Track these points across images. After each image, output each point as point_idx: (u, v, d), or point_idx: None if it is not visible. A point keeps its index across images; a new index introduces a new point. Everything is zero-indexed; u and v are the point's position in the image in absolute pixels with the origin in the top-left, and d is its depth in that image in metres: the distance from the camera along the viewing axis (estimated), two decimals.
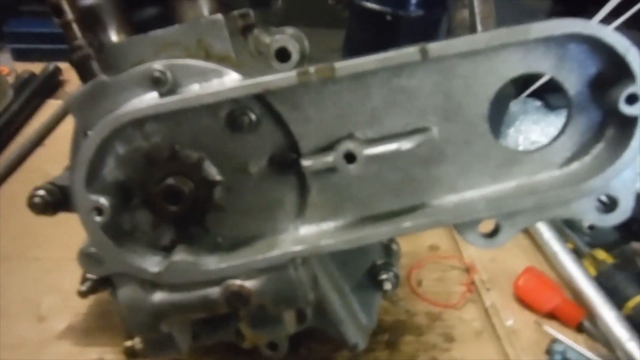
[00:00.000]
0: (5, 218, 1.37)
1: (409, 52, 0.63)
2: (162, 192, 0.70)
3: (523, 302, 1.21)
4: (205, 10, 0.75)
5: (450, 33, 1.33)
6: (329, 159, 0.68)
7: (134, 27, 0.80)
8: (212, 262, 0.73)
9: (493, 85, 0.67)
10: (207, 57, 0.76)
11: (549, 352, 1.08)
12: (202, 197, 0.72)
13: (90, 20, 0.75)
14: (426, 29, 1.38)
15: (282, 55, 0.83)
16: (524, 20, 1.81)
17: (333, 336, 0.94)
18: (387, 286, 0.93)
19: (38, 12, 2.14)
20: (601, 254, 1.25)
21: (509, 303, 1.22)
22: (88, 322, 1.14)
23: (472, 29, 1.22)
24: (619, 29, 1.79)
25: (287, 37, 0.84)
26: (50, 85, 1.88)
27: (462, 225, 0.71)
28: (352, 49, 1.51)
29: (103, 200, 0.70)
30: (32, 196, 0.90)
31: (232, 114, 0.70)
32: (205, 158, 0.71)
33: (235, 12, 0.81)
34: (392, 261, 0.97)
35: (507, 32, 0.62)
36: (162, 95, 0.70)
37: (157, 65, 0.70)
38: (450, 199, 0.72)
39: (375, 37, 1.40)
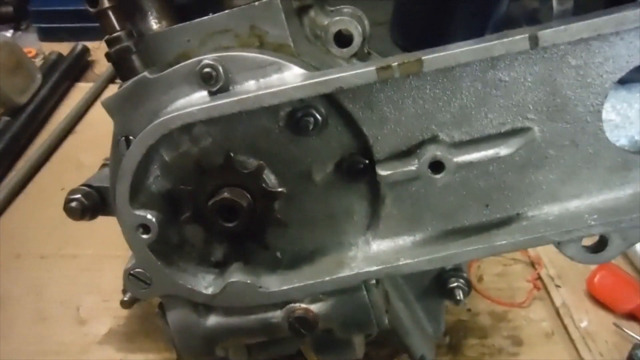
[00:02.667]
0: (40, 212, 1.32)
1: (515, 40, 0.51)
2: (215, 207, 0.61)
3: (598, 301, 1.11)
4: None
5: (520, 4, 1.20)
6: (412, 168, 0.58)
7: (176, 12, 0.70)
8: (273, 283, 0.65)
9: (611, 76, 0.56)
10: (261, 45, 0.66)
11: (632, 357, 0.98)
12: (261, 210, 0.63)
13: (128, 7, 0.66)
14: None
15: (343, 39, 0.73)
16: None
17: (396, 346, 0.86)
18: (459, 295, 0.84)
19: None
20: None
21: (582, 302, 1.12)
22: (130, 325, 1.09)
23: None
24: None
25: (348, 19, 0.74)
26: (79, 66, 1.80)
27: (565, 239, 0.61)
28: (402, 20, 1.38)
29: (150, 216, 0.62)
30: (68, 201, 0.84)
31: (294, 114, 0.60)
32: (265, 166, 0.62)
33: None
34: (462, 266, 0.87)
35: None
36: (212, 93, 0.61)
37: (207, 59, 0.60)
38: (551, 209, 0.62)
39: (431, 6, 1.26)
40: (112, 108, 0.65)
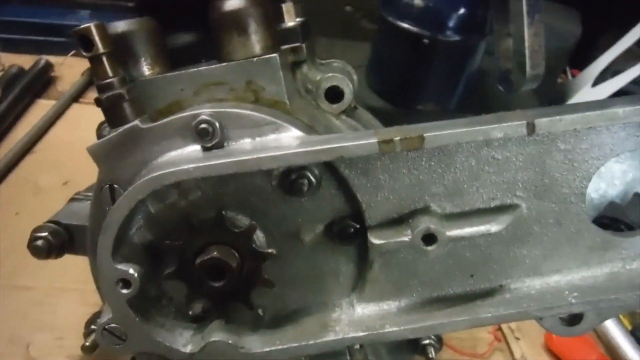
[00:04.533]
0: None
1: (514, 126, 0.53)
2: (204, 266, 0.60)
3: (554, 354, 1.14)
4: (257, 48, 0.64)
5: (494, 61, 1.25)
6: (405, 239, 0.59)
7: (170, 58, 0.69)
8: (255, 344, 0.64)
9: (596, 162, 0.59)
10: (256, 100, 0.66)
11: None
12: (248, 270, 0.62)
13: (122, 52, 0.64)
14: (462, 55, 1.29)
15: (333, 94, 0.74)
16: (554, 45, 1.72)
17: None
18: (432, 353, 0.84)
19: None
20: None
21: (539, 355, 1.16)
22: None
23: (518, 61, 1.14)
24: None
25: (340, 76, 0.75)
26: (41, 82, 1.73)
27: None
28: (379, 68, 1.41)
29: (132, 271, 0.60)
30: (34, 238, 0.80)
31: (289, 175, 0.60)
32: (256, 226, 0.61)
33: (287, 47, 0.70)
34: None
35: (633, 110, 0.53)
36: (206, 149, 0.60)
37: (205, 114, 0.59)
38: (532, 283, 0.64)
39: (407, 59, 1.30)
40: (98, 155, 0.63)
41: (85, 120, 1.65)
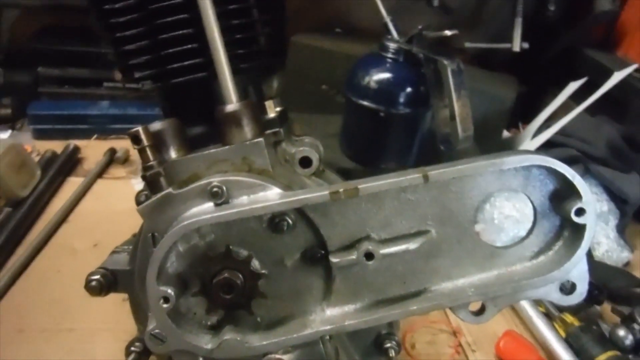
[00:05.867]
0: (38, 292, 1.50)
1: (415, 177, 0.83)
2: (219, 284, 0.87)
3: None
4: (249, 134, 0.94)
5: (435, 128, 1.56)
6: (353, 257, 0.87)
7: (189, 144, 0.99)
8: (256, 340, 0.90)
9: (477, 198, 0.88)
10: (250, 170, 0.95)
11: None
12: (249, 287, 0.89)
13: (158, 143, 0.94)
14: (413, 123, 1.61)
15: (305, 162, 1.04)
16: (494, 108, 2.06)
17: None
18: (392, 353, 1.09)
19: (56, 94, 2.34)
20: (569, 317, 1.44)
21: None
22: None
23: (453, 126, 1.45)
24: (583, 113, 2.06)
25: (308, 148, 1.05)
26: (70, 163, 2.04)
27: (456, 306, 0.90)
28: (349, 136, 1.73)
29: (170, 291, 0.87)
30: (89, 280, 1.05)
31: (274, 219, 0.88)
32: (253, 255, 0.89)
33: (269, 131, 1.01)
34: (394, 331, 1.14)
35: (487, 163, 0.82)
36: (217, 205, 0.89)
37: (215, 181, 0.89)
38: (446, 285, 0.91)
39: (369, 128, 1.61)
40: (144, 213, 0.91)
41: (109, 193, 1.96)
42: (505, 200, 1.75)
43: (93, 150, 2.15)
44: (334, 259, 0.88)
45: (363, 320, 0.89)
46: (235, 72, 0.95)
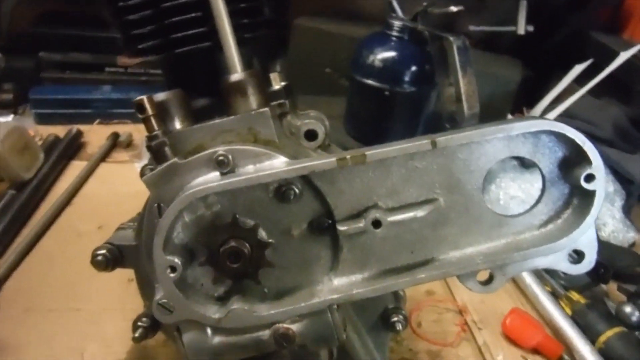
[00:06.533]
0: (44, 273, 1.50)
1: (423, 143, 0.82)
2: (226, 253, 0.87)
3: (510, 339, 1.38)
4: (254, 104, 0.93)
5: (440, 106, 1.55)
6: (360, 224, 0.86)
7: (194, 115, 0.99)
8: (264, 309, 0.89)
9: (485, 165, 0.87)
10: (256, 140, 0.94)
11: None
12: (256, 256, 0.88)
13: (163, 113, 0.93)
14: (417, 102, 1.60)
15: (310, 135, 1.03)
16: (499, 90, 2.06)
17: None
18: (399, 327, 1.09)
19: (58, 79, 2.33)
20: (575, 295, 1.44)
21: (498, 340, 1.39)
22: None
23: (459, 104, 1.45)
24: (588, 95, 2.05)
25: (314, 121, 1.04)
26: (73, 147, 2.04)
27: (464, 275, 0.89)
28: (353, 117, 1.72)
29: (177, 260, 0.86)
30: (95, 255, 1.05)
31: (280, 188, 0.87)
32: (259, 224, 0.89)
33: (275, 103, 1.00)
34: (401, 305, 1.14)
35: (496, 129, 0.82)
36: (223, 174, 0.88)
37: (221, 150, 0.88)
38: (454, 254, 0.90)
39: (374, 108, 1.61)
40: (150, 183, 0.90)
41: (112, 176, 1.96)
42: (511, 181, 1.74)
43: (96, 134, 2.15)
44: (341, 228, 0.87)
45: (371, 289, 0.88)
46: (239, 42, 0.95)
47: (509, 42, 2.40)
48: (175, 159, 0.89)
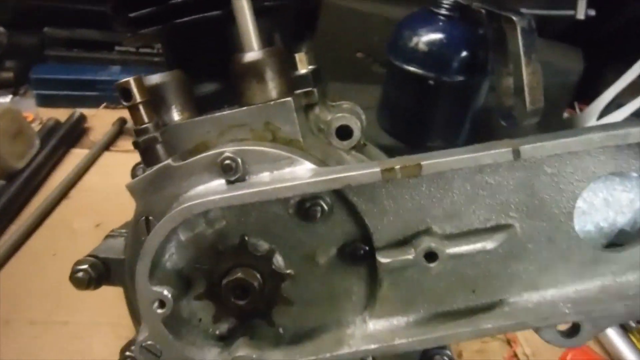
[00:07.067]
0: (30, 278, 1.34)
1: (501, 152, 0.61)
2: (229, 286, 0.67)
3: None
4: (274, 93, 0.73)
5: (494, 99, 1.32)
6: (409, 257, 0.66)
7: (197, 105, 0.78)
8: (277, 358, 0.69)
9: (580, 183, 0.65)
10: (274, 139, 0.74)
11: None
12: (269, 290, 0.69)
13: (156, 100, 0.73)
14: (467, 93, 1.37)
15: (343, 132, 0.82)
16: (557, 82, 1.80)
17: None
18: None
19: (63, 57, 2.15)
20: None
21: None
22: None
23: (519, 98, 1.21)
24: None
25: (348, 115, 0.83)
26: (75, 133, 1.87)
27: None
28: (389, 109, 1.50)
29: (166, 292, 0.67)
30: (75, 271, 0.87)
31: (304, 203, 0.68)
32: (275, 250, 0.68)
33: (300, 91, 0.79)
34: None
35: (606, 135, 0.60)
36: (230, 182, 0.68)
37: (228, 152, 0.67)
38: (530, 297, 0.69)
39: (415, 99, 1.38)
40: (136, 190, 0.71)
41: (116, 167, 1.77)
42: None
43: (101, 119, 1.98)
44: (382, 259, 0.67)
45: (417, 340, 0.68)
46: (258, 12, 0.73)
47: (563, 28, 2.14)
48: (169, 161, 0.70)
